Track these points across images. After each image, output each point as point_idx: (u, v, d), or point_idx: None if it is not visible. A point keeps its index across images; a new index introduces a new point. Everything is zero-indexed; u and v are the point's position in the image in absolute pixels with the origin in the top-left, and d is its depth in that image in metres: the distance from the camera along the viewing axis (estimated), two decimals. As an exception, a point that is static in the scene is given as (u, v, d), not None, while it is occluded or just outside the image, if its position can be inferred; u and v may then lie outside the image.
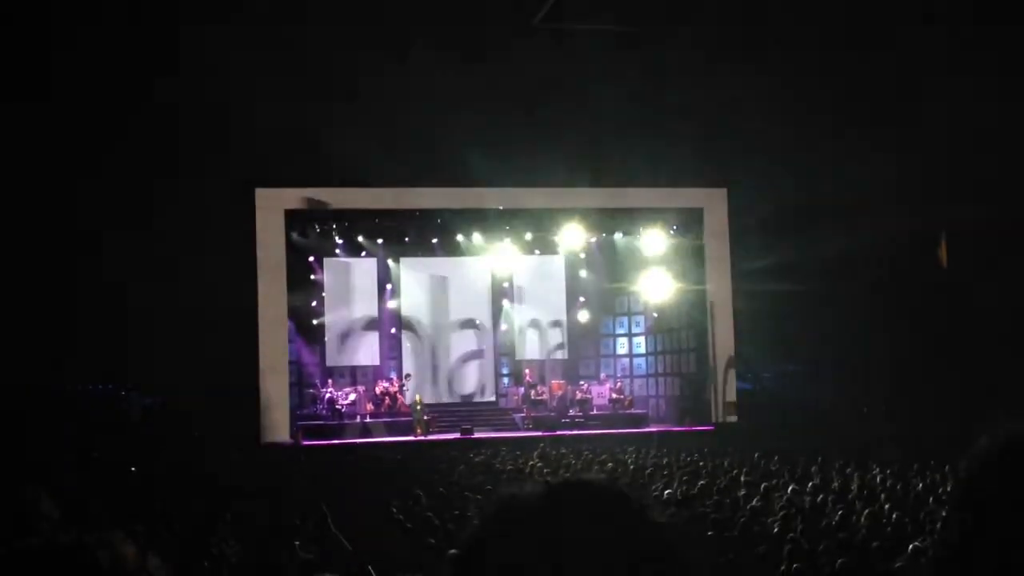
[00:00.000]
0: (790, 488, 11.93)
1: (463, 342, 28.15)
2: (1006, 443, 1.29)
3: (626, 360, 29.39)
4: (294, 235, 25.18)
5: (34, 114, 20.82)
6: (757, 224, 25.48)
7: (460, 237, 27.20)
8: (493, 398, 28.24)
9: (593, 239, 28.20)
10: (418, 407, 24.85)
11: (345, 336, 27.39)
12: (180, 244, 22.37)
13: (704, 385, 25.69)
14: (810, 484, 12.42)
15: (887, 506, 10.44)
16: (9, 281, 21.64)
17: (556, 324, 28.87)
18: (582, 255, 28.64)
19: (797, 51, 21.64)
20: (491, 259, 28.32)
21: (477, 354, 28.21)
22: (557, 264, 28.91)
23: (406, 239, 27.32)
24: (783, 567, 7.62)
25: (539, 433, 24.32)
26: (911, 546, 7.47)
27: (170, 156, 21.93)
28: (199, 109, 21.36)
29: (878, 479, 13.29)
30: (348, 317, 27.45)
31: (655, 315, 28.55)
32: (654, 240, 28.21)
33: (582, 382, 27.86)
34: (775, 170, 23.61)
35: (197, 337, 22.09)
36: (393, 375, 27.25)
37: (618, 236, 28.43)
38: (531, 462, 16.72)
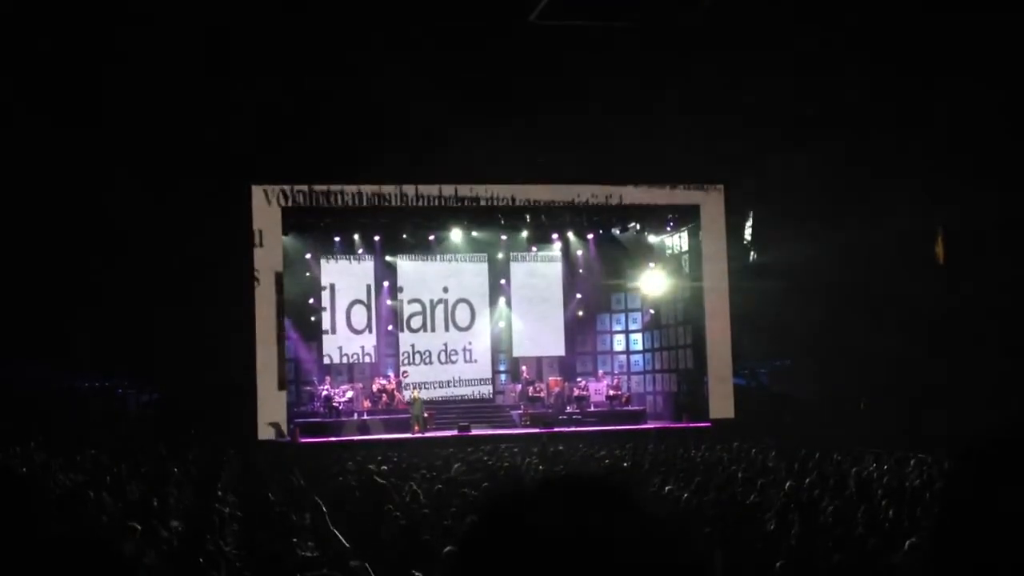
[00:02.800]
0: (787, 484, 11.95)
1: (460, 339, 28.16)
2: (997, 438, 1.30)
3: (623, 357, 29.42)
4: (291, 232, 25.17)
5: (34, 113, 20.80)
6: (753, 221, 25.51)
7: (457, 234, 27.22)
8: (491, 395, 28.26)
9: (590, 236, 28.30)
10: (416, 404, 24.86)
11: (342, 333, 27.39)
12: (177, 241, 22.36)
13: (701, 381, 25.72)
14: (807, 480, 12.44)
15: (884, 502, 10.46)
16: (6, 278, 21.63)
17: (553, 321, 28.88)
18: (579, 252, 28.68)
19: (793, 45, 21.64)
20: (488, 256, 28.36)
21: (474, 351, 28.21)
22: (554, 261, 28.93)
23: (403, 236, 27.31)
24: (779, 563, 7.63)
25: (536, 430, 24.33)
26: (907, 542, 7.48)
27: (167, 153, 21.91)
28: (197, 106, 21.34)
29: (875, 475, 13.32)
30: (345, 314, 27.46)
31: (652, 312, 28.60)
32: (651, 237, 28.32)
33: (579, 379, 27.89)
34: (771, 168, 23.63)
35: (194, 334, 22.09)
36: (390, 372, 27.26)
37: (615, 233, 28.49)
38: (527, 459, 16.73)
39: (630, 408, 26.94)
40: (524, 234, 27.90)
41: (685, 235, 27.14)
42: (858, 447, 17.29)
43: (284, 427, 23.33)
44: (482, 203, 25.58)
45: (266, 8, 19.94)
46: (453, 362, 28.02)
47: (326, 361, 27.04)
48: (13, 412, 20.45)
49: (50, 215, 22.07)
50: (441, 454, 18.45)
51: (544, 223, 27.42)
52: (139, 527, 7.31)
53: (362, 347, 27.55)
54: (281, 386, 23.73)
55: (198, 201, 22.16)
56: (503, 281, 28.58)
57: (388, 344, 27.84)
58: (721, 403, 25.08)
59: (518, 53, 21.31)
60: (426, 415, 24.78)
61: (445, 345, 28.07)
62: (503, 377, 28.63)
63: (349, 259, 27.61)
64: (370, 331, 27.65)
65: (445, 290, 28.17)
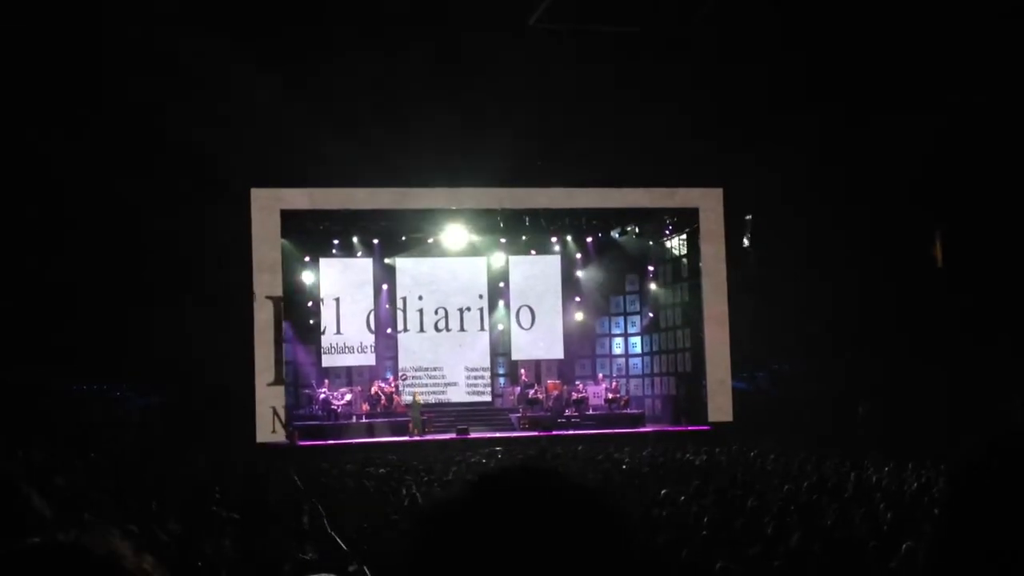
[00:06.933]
0: (785, 487, 11.95)
1: (459, 342, 28.15)
2: (996, 443, 1.30)
3: (622, 360, 29.42)
4: (290, 235, 25.15)
5: (31, 112, 20.79)
6: (752, 224, 25.52)
7: (456, 237, 27.21)
8: (489, 398, 28.23)
9: (589, 239, 28.33)
10: (415, 407, 24.87)
11: (341, 336, 27.38)
12: (176, 244, 22.35)
13: (700, 385, 25.71)
14: (806, 483, 12.44)
15: (882, 505, 10.45)
16: (6, 280, 21.62)
17: (552, 324, 28.88)
18: (578, 255, 28.68)
19: (793, 49, 21.66)
20: (487, 259, 28.36)
21: (473, 354, 28.20)
22: (553, 264, 28.93)
23: (402, 239, 27.35)
24: (778, 566, 7.62)
25: (535, 433, 24.34)
26: (904, 546, 7.47)
27: (167, 156, 21.91)
28: (196, 109, 21.33)
29: (874, 478, 13.31)
30: (344, 317, 27.44)
31: (651, 315, 28.61)
32: (650, 240, 28.34)
33: (578, 382, 27.88)
34: (771, 170, 23.63)
35: (194, 337, 22.07)
36: (389, 375, 27.26)
37: (614, 236, 28.51)
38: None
39: (629, 411, 26.92)
40: (523, 237, 27.94)
41: (684, 238, 27.15)
42: (857, 450, 17.28)
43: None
44: (481, 206, 25.61)
45: (268, 13, 19.95)
46: (452, 365, 28.00)
47: (324, 364, 27.03)
48: (13, 416, 20.43)
49: (48, 217, 22.06)
50: (440, 457, 18.45)
51: (543, 226, 27.44)
52: (137, 530, 7.30)
53: (360, 350, 27.53)
54: (279, 387, 23.70)
55: (198, 204, 22.16)
56: (502, 284, 28.58)
57: (387, 347, 27.82)
58: (720, 407, 25.07)
59: (517, 56, 21.31)
60: (424, 418, 24.80)
61: (444, 348, 28.05)
62: (501, 380, 28.62)
63: (348, 261, 27.62)
64: (369, 333, 27.63)
65: (444, 293, 28.16)
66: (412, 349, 27.85)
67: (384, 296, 27.80)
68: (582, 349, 29.41)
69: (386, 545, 8.94)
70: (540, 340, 28.75)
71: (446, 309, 28.12)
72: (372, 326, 27.63)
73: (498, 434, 24.51)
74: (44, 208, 21.88)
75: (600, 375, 28.55)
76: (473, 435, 23.93)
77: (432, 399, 26.74)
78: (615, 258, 28.89)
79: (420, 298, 28.03)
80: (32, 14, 19.45)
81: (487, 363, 28.34)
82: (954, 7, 20.03)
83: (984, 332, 21.78)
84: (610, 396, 27.07)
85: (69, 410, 23.03)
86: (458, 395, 27.81)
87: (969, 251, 23.03)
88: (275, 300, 23.62)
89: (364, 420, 25.41)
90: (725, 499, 11.24)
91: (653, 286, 28.59)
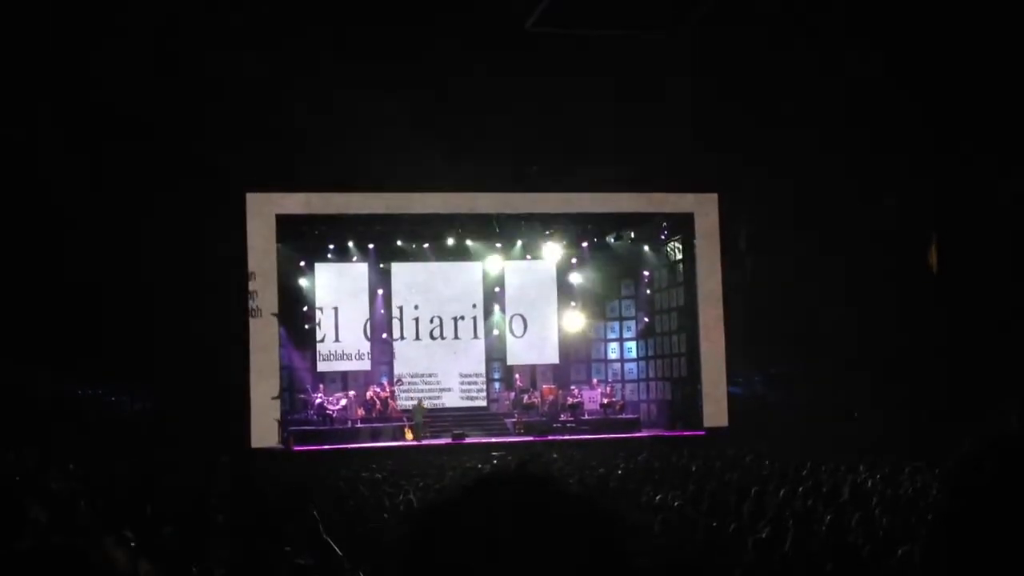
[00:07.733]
0: (781, 492, 11.94)
1: (454, 347, 28.15)
2: (991, 446, 1.30)
3: (617, 365, 29.44)
4: (285, 239, 25.13)
5: (27, 113, 20.75)
6: (748, 230, 25.54)
7: (451, 242, 27.23)
8: (484, 403, 28.23)
9: (584, 244, 28.35)
10: (419, 411, 24.94)
11: (336, 341, 27.36)
12: (170, 249, 22.30)
13: (695, 390, 25.71)
14: (801, 488, 12.42)
15: (878, 510, 10.44)
16: (2, 282, 21.57)
17: (547, 329, 28.88)
18: (573, 260, 28.69)
19: (789, 52, 21.69)
20: (482, 264, 28.37)
21: (468, 359, 28.20)
22: (548, 269, 28.94)
23: (397, 243, 27.35)
24: (773, 571, 7.62)
25: (530, 438, 24.34)
26: (900, 551, 7.47)
27: (160, 160, 21.87)
28: (190, 112, 21.31)
29: (869, 483, 13.30)
30: (339, 322, 27.42)
31: (646, 320, 28.62)
32: (645, 245, 28.35)
33: (573, 387, 27.89)
34: (767, 175, 23.66)
35: (188, 342, 22.04)
36: (384, 380, 27.24)
37: (610, 241, 28.53)
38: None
39: (624, 416, 26.93)
40: (519, 242, 27.96)
41: (679, 243, 27.17)
42: (852, 455, 17.27)
43: (277, 435, 23.27)
44: (477, 211, 25.62)
45: (265, 16, 19.93)
46: (446, 371, 27.99)
47: (320, 369, 27.00)
48: (7, 417, 20.38)
49: (44, 220, 22.01)
50: (435, 462, 18.43)
51: (539, 231, 27.46)
52: (131, 535, 7.28)
53: (357, 356, 27.51)
54: (275, 394, 23.66)
55: (193, 208, 22.13)
56: (497, 289, 28.59)
57: (382, 352, 27.82)
58: (715, 412, 25.08)
59: (513, 60, 21.32)
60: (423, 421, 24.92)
61: (439, 353, 28.04)
62: (497, 385, 28.62)
63: (343, 266, 27.61)
64: (364, 339, 27.62)
65: (439, 300, 28.16)
66: (407, 355, 27.87)
67: (379, 300, 27.80)
68: (577, 354, 29.43)
69: (381, 550, 8.93)
70: (535, 345, 28.76)
71: (441, 318, 28.14)
72: (368, 333, 27.63)
73: (493, 439, 24.52)
74: (40, 211, 21.82)
75: (595, 380, 28.55)
76: (468, 440, 23.93)
77: (427, 404, 26.72)
78: (610, 263, 28.91)
79: (416, 307, 28.05)
80: (25, 12, 19.42)
81: (481, 369, 28.35)
82: (947, 5, 20.06)
83: (980, 338, 21.80)
84: (605, 401, 27.07)
85: (64, 413, 22.97)
86: (452, 400, 27.81)
87: (965, 257, 23.05)
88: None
89: (359, 425, 25.40)
90: (720, 504, 11.23)
91: (648, 291, 28.62)
